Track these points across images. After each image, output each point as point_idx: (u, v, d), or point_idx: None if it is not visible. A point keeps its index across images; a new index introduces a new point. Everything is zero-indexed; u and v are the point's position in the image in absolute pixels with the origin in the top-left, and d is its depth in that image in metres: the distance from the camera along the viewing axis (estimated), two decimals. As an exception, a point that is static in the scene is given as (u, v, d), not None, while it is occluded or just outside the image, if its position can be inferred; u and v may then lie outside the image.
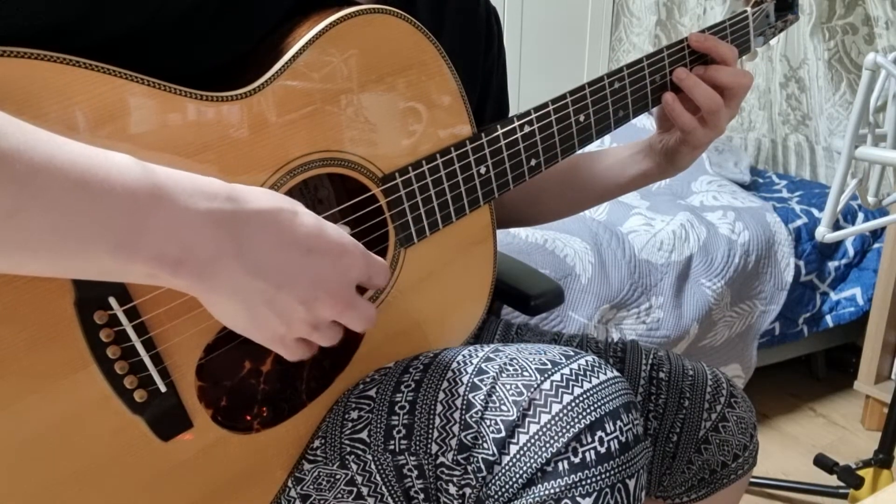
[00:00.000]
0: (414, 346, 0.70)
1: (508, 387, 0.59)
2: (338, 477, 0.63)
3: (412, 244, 0.67)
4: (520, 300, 0.96)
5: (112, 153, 0.44)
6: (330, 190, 0.70)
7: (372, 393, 0.64)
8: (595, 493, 0.55)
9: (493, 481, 0.57)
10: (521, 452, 0.57)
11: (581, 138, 0.75)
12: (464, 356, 0.64)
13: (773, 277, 1.83)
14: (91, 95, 0.49)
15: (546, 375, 0.59)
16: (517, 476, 0.56)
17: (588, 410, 0.57)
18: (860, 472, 1.51)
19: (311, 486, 0.64)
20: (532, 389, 0.58)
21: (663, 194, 2.02)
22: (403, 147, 0.65)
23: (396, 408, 0.62)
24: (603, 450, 0.56)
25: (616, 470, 0.56)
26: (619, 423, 0.58)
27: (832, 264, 1.94)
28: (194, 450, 0.58)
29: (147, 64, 0.52)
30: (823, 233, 1.33)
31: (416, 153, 0.65)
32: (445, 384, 0.61)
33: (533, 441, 0.56)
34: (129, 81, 0.50)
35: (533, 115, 0.71)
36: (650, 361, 0.83)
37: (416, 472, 0.60)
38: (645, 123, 2.15)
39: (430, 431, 0.60)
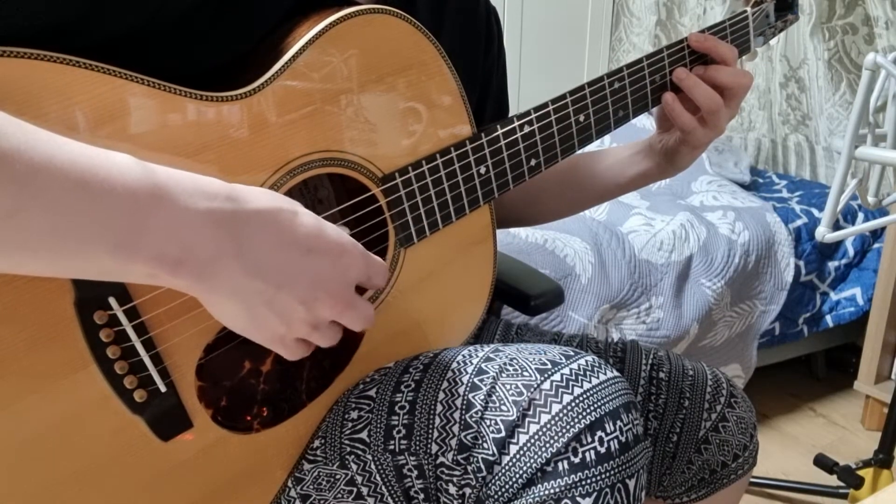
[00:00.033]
0: (414, 346, 0.70)
1: (508, 387, 0.59)
2: (338, 477, 0.63)
3: (412, 244, 0.67)
4: (520, 300, 0.96)
5: (112, 153, 0.44)
6: (330, 190, 0.70)
7: (372, 393, 0.64)
8: (595, 493, 0.55)
9: (493, 481, 0.57)
10: (521, 452, 0.57)
11: (581, 138, 0.75)
12: (464, 356, 0.64)
13: (773, 277, 1.83)
14: (91, 95, 0.49)
15: (546, 375, 0.59)
16: (517, 476, 0.56)
17: (588, 410, 0.57)
18: (860, 472, 1.51)
19: (311, 486, 0.64)
20: (532, 389, 0.58)
21: (663, 194, 2.02)
22: (403, 147, 0.65)
23: (396, 408, 0.62)
24: (603, 450, 0.56)
25: (616, 470, 0.56)
26: (619, 423, 0.58)
27: (832, 264, 1.94)
28: (194, 450, 0.58)
29: (147, 64, 0.52)
30: (823, 233, 1.33)
31: (416, 153, 0.65)
32: (445, 384, 0.61)
33: (533, 441, 0.56)
34: (129, 81, 0.50)
35: (533, 115, 0.71)
36: (650, 361, 0.83)
37: (415, 472, 0.60)
38: (645, 123, 2.15)
39: (430, 431, 0.60)
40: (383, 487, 0.62)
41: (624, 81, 0.76)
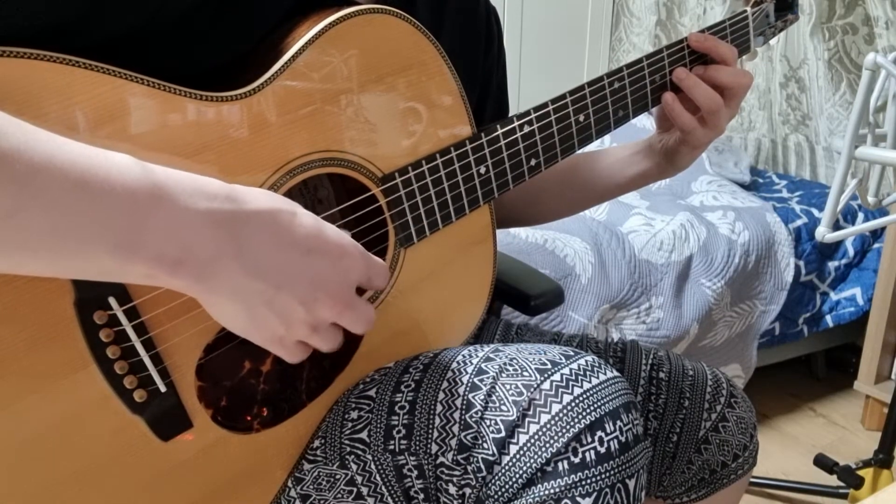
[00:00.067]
0: (414, 346, 0.70)
1: (508, 387, 0.59)
2: (338, 477, 0.63)
3: (412, 244, 0.67)
4: (520, 300, 0.96)
5: (112, 153, 0.44)
6: (330, 190, 0.70)
7: (372, 393, 0.64)
8: (595, 493, 0.55)
9: (493, 481, 0.57)
10: (521, 452, 0.57)
11: (581, 138, 0.75)
12: (464, 356, 0.64)
13: (773, 277, 1.83)
14: (91, 95, 0.49)
15: (546, 375, 0.59)
16: (517, 476, 0.56)
17: (588, 410, 0.57)
18: (860, 472, 1.51)
19: (311, 486, 0.64)
20: (532, 389, 0.58)
21: (663, 194, 2.02)
22: (403, 147, 0.65)
23: (396, 408, 0.62)
24: (603, 450, 0.56)
25: (616, 470, 0.56)
26: (618, 423, 0.58)
27: (832, 264, 1.94)
28: (194, 450, 0.58)
29: (147, 64, 0.52)
30: (823, 233, 1.33)
31: (416, 153, 0.65)
32: (445, 384, 0.61)
33: (533, 441, 0.56)
34: (129, 81, 0.50)
35: (532, 115, 0.71)
36: (650, 361, 0.83)
37: (415, 472, 0.60)
38: (645, 123, 2.15)
39: (430, 431, 0.60)
40: (383, 487, 0.62)
41: (624, 81, 0.76)
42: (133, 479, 0.56)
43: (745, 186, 2.12)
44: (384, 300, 0.67)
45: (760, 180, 2.23)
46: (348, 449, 0.62)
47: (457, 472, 0.59)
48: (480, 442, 0.58)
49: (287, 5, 0.62)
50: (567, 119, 0.73)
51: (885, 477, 1.51)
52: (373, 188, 0.63)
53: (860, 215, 1.95)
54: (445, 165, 0.67)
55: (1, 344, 0.48)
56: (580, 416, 0.57)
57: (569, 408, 0.57)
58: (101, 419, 0.53)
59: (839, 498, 1.57)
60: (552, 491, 0.55)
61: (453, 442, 0.59)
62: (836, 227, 1.54)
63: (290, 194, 0.56)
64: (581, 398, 0.58)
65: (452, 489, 0.59)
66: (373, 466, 0.61)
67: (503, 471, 0.57)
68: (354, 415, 0.63)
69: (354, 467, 0.62)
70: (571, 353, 0.62)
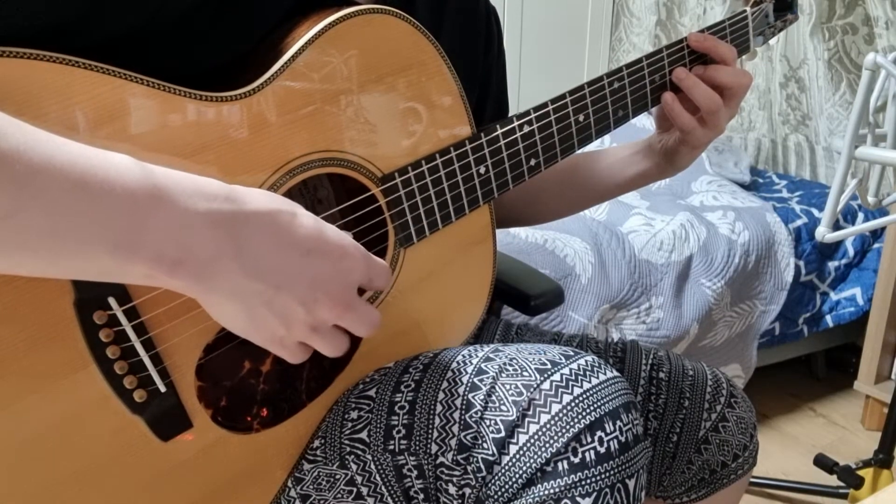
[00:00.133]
0: (414, 346, 0.70)
1: (508, 387, 0.59)
2: (337, 477, 0.63)
3: (412, 244, 0.67)
4: (520, 300, 0.96)
5: (111, 154, 0.44)
6: (329, 190, 0.70)
7: (372, 393, 0.64)
8: (595, 493, 0.55)
9: (493, 481, 0.57)
10: (521, 452, 0.57)
11: (580, 138, 0.75)
12: (463, 356, 0.64)
13: (773, 277, 1.83)
14: (91, 96, 0.49)
15: (546, 375, 0.59)
16: (517, 476, 0.56)
17: (588, 410, 0.57)
18: (860, 472, 1.51)
19: (311, 486, 0.64)
20: (532, 389, 0.58)
21: (663, 194, 2.02)
22: (403, 147, 0.65)
23: (396, 408, 0.62)
24: (603, 450, 0.56)
25: (616, 470, 0.56)
26: (618, 423, 0.58)
27: (832, 264, 1.94)
28: (194, 450, 0.58)
29: (147, 64, 0.52)
30: (823, 233, 1.33)
31: (416, 153, 0.65)
32: (445, 384, 0.61)
33: (532, 441, 0.57)
34: (129, 81, 0.50)
35: (532, 115, 0.71)
36: (650, 361, 0.83)
37: (415, 472, 0.60)
38: (645, 123, 2.15)
39: (430, 431, 0.60)
40: (383, 487, 0.62)
41: (623, 81, 0.76)
42: (133, 479, 0.56)
43: (745, 186, 2.12)
44: (384, 300, 0.67)
45: (760, 180, 2.23)
46: (348, 449, 0.62)
47: (457, 472, 0.59)
48: (480, 442, 0.58)
49: (287, 5, 0.62)
50: (567, 119, 0.73)
51: (885, 477, 1.51)
52: (372, 188, 0.63)
53: (860, 215, 1.95)
54: (445, 165, 0.67)
55: (1, 344, 0.48)
56: (580, 416, 0.57)
57: (569, 408, 0.57)
58: (101, 419, 0.53)
59: (839, 498, 1.57)
60: (552, 491, 0.55)
61: (453, 442, 0.59)
62: (836, 227, 1.54)
63: (289, 194, 0.56)
64: (581, 398, 0.58)
65: (452, 489, 0.59)
66: (373, 466, 0.61)
67: (503, 471, 0.57)
68: (354, 415, 0.63)
69: (354, 467, 0.62)
70: (571, 353, 0.62)
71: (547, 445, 0.56)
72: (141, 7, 0.53)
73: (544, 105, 0.71)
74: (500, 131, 0.69)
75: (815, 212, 1.94)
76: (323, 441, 0.64)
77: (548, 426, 0.57)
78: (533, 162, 0.72)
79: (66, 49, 0.48)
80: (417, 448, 0.60)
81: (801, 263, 1.87)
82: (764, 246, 1.80)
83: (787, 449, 1.82)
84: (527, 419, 0.57)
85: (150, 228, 0.44)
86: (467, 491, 0.59)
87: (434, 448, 0.59)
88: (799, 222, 1.90)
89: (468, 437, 0.58)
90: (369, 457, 0.61)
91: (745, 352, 1.83)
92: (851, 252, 1.94)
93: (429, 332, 0.72)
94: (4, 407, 0.49)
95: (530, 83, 2.50)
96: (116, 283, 0.51)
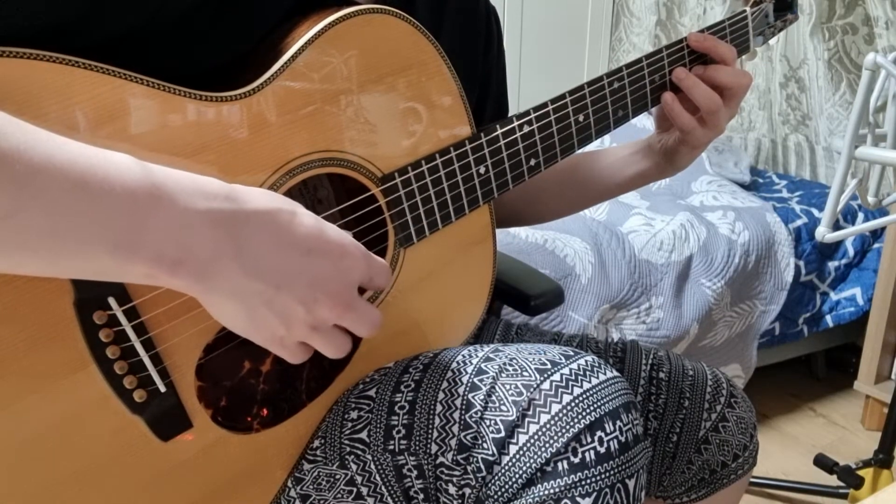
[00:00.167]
0: (414, 346, 0.70)
1: (508, 387, 0.59)
2: (337, 477, 0.63)
3: (412, 244, 0.67)
4: (520, 300, 0.96)
5: (112, 153, 0.44)
6: (329, 190, 0.70)
7: (372, 393, 0.64)
8: (595, 493, 0.55)
9: (493, 481, 0.57)
10: (521, 452, 0.57)
11: (580, 138, 0.75)
12: (463, 356, 0.64)
13: (773, 277, 1.83)
14: (91, 96, 0.49)
15: (546, 375, 0.59)
16: (517, 476, 0.56)
17: (588, 410, 0.57)
18: (860, 472, 1.51)
19: (311, 486, 0.64)
20: (532, 389, 0.58)
21: (663, 194, 2.02)
22: (403, 147, 0.65)
23: (396, 408, 0.62)
24: (602, 450, 0.56)
25: (616, 470, 0.56)
26: (618, 423, 0.58)
27: (832, 264, 1.94)
28: (194, 450, 0.58)
29: (147, 64, 0.52)
30: (823, 233, 1.33)
31: (416, 153, 0.65)
32: (445, 384, 0.61)
33: (532, 441, 0.57)
34: (129, 81, 0.50)
35: (532, 115, 0.71)
36: (650, 361, 0.83)
37: (415, 472, 0.60)
38: (645, 123, 2.15)
39: (430, 431, 0.60)
40: (383, 487, 0.62)
41: (623, 81, 0.76)
42: (133, 479, 0.56)
43: (745, 186, 2.12)
44: (384, 300, 0.67)
45: (760, 180, 2.23)
46: (348, 449, 0.62)
47: (456, 473, 0.59)
48: (480, 442, 0.58)
49: (287, 5, 0.62)
50: (566, 119, 0.73)
51: (885, 477, 1.51)
52: (372, 188, 0.63)
53: (860, 215, 1.95)
54: (445, 165, 0.67)
55: (1, 344, 0.48)
56: (580, 416, 0.57)
57: (568, 408, 0.57)
58: (101, 419, 0.53)
59: (839, 498, 1.57)
60: (552, 491, 0.55)
61: (453, 442, 0.59)
62: (836, 227, 1.54)
63: (289, 194, 0.56)
64: (581, 398, 0.58)
65: (452, 489, 0.59)
66: (372, 466, 0.61)
67: (503, 471, 0.57)
68: (354, 415, 0.63)
69: (354, 467, 0.62)
70: (571, 353, 0.62)
71: (547, 445, 0.56)
72: (141, 7, 0.53)
73: (544, 105, 0.71)
74: (499, 131, 0.69)
75: (815, 212, 1.94)
76: (323, 441, 0.64)
77: (548, 426, 0.57)
78: (533, 162, 0.72)
79: (66, 49, 0.48)
80: (417, 448, 0.60)
81: (801, 263, 1.87)
82: (764, 246, 1.80)
83: (787, 449, 1.82)
84: (527, 419, 0.57)
85: (150, 228, 0.44)
86: (467, 491, 0.59)
87: (434, 448, 0.59)
88: (799, 222, 1.90)
89: (468, 437, 0.58)
90: (369, 457, 0.61)
91: (745, 352, 1.83)
92: (851, 252, 1.94)
93: (429, 332, 0.72)
94: (4, 407, 0.49)
95: (530, 83, 2.50)
96: (116, 283, 0.51)
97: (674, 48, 0.78)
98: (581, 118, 0.74)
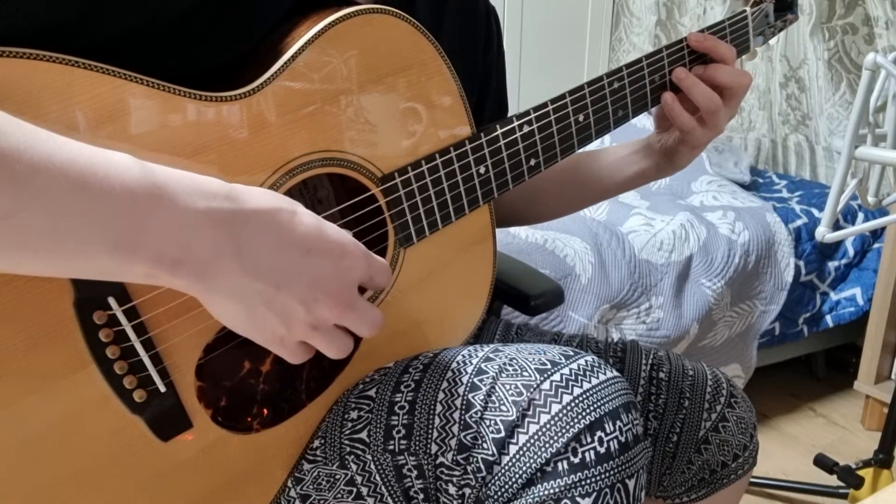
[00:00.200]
0: (414, 346, 0.70)
1: (508, 387, 0.59)
2: (337, 477, 0.63)
3: (412, 244, 0.67)
4: (520, 300, 0.96)
5: (111, 153, 0.44)
6: (329, 190, 0.70)
7: (371, 393, 0.64)
8: (595, 493, 0.55)
9: (493, 481, 0.57)
10: (521, 452, 0.57)
11: (580, 138, 0.75)
12: (463, 356, 0.64)
13: (773, 277, 1.83)
14: (91, 95, 0.49)
15: (546, 375, 0.59)
16: (517, 476, 0.56)
17: (588, 410, 0.57)
18: (860, 472, 1.51)
19: (311, 486, 0.64)
20: (532, 389, 0.58)
21: (663, 194, 2.02)
22: (403, 147, 0.65)
23: (396, 408, 0.62)
24: (602, 450, 0.56)
25: (616, 470, 0.56)
26: (618, 423, 0.58)
27: (832, 264, 1.94)
28: (194, 450, 0.58)
29: (147, 64, 0.52)
30: (823, 233, 1.33)
31: (416, 153, 0.65)
32: (445, 384, 0.61)
33: (532, 441, 0.56)
34: (129, 81, 0.50)
35: (532, 115, 0.71)
36: (650, 361, 0.83)
37: (415, 472, 0.60)
38: (645, 123, 2.15)
39: (430, 431, 0.60)
40: (383, 487, 0.62)
41: (623, 81, 0.76)
42: (133, 479, 0.56)
43: (745, 186, 2.12)
44: (384, 300, 0.67)
45: (760, 180, 2.23)
46: (348, 449, 0.62)
47: (456, 473, 0.59)
48: (480, 442, 0.58)
49: (287, 5, 0.62)
50: (566, 119, 0.73)
51: (885, 477, 1.51)
52: (372, 188, 0.63)
53: (860, 215, 1.95)
54: (445, 165, 0.67)
55: (1, 344, 0.48)
56: (580, 417, 0.57)
57: (568, 408, 0.57)
58: (101, 419, 0.53)
59: (839, 498, 1.57)
60: (552, 491, 0.55)
61: (453, 442, 0.59)
62: (836, 227, 1.54)
63: (289, 194, 0.56)
64: (581, 398, 0.58)
65: (452, 489, 0.59)
66: (372, 466, 0.61)
67: (503, 471, 0.57)
68: (354, 415, 0.63)
69: (354, 467, 0.62)
70: (571, 353, 0.62)
71: (547, 445, 0.56)
72: (141, 7, 0.53)
73: (544, 105, 0.71)
74: (499, 131, 0.69)
75: (815, 212, 1.94)
76: (323, 441, 0.64)
77: (548, 426, 0.57)
78: (533, 162, 0.72)
79: (66, 49, 0.48)
80: (417, 448, 0.60)
81: (801, 263, 1.87)
82: (764, 246, 1.80)
83: (787, 449, 1.82)
84: (527, 419, 0.57)
85: (150, 228, 0.44)
86: (467, 491, 0.59)
87: (434, 448, 0.59)
88: (799, 222, 1.90)
89: (468, 438, 0.58)
90: (369, 457, 0.61)
91: (745, 352, 1.83)
92: (851, 252, 1.94)
93: (429, 332, 0.72)
94: (4, 407, 0.49)
95: (530, 83, 2.50)
96: (116, 283, 0.51)
97: (674, 48, 0.78)
98: (581, 118, 0.74)
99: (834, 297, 1.95)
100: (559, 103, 0.72)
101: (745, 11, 0.84)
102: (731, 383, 0.84)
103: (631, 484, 0.57)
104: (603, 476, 0.56)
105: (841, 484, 1.54)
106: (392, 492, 0.62)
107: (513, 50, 2.45)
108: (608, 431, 0.57)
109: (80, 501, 0.54)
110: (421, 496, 0.61)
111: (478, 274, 0.74)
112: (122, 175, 0.43)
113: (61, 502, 0.53)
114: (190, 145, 0.53)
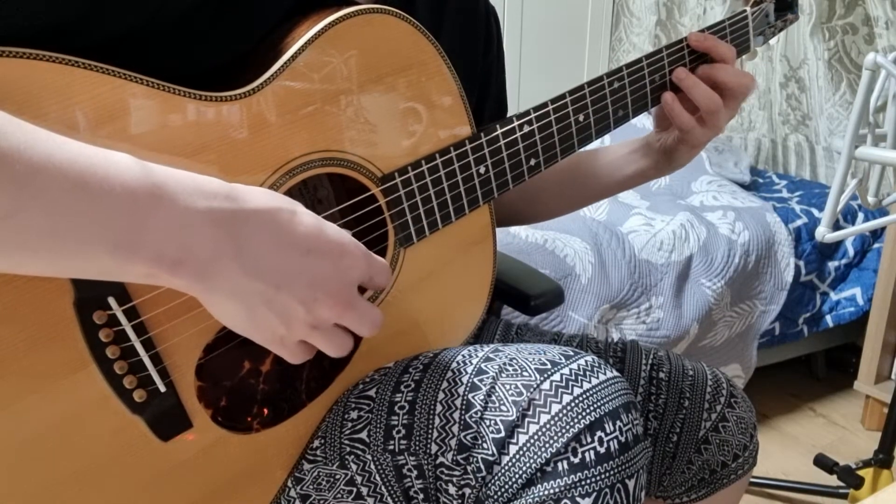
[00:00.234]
0: (414, 346, 0.70)
1: (508, 387, 0.59)
2: (337, 477, 0.63)
3: (412, 244, 0.67)
4: (520, 300, 0.96)
5: (111, 153, 0.44)
6: (329, 190, 0.70)
7: (372, 393, 0.64)
8: (595, 494, 0.55)
9: (493, 481, 0.57)
10: (521, 453, 0.57)
11: (580, 138, 0.75)
12: (463, 356, 0.64)
13: (773, 277, 1.83)
14: (91, 95, 0.49)
15: (546, 375, 0.59)
16: (517, 476, 0.56)
17: (588, 410, 0.57)
18: (860, 472, 1.51)
19: (311, 486, 0.64)
20: (532, 389, 0.58)
21: (663, 194, 2.02)
22: (403, 147, 0.65)
23: (396, 408, 0.62)
24: (602, 450, 0.56)
25: (616, 470, 0.56)
26: (618, 423, 0.58)
27: (832, 264, 1.94)
28: (194, 450, 0.58)
29: (147, 64, 0.52)
30: (823, 233, 1.33)
31: (416, 153, 0.65)
32: (445, 384, 0.61)
33: (532, 441, 0.56)
34: (129, 81, 0.50)
35: (532, 115, 0.71)
36: (650, 361, 0.83)
37: (415, 472, 0.60)
38: (645, 123, 2.15)
39: (430, 431, 0.60)
40: (383, 487, 0.62)
41: (623, 81, 0.76)
42: (133, 479, 0.56)
43: (745, 186, 2.12)
44: (384, 300, 0.67)
45: (760, 180, 2.23)
46: (348, 449, 0.62)
47: (456, 473, 0.59)
48: (480, 442, 0.58)
49: (287, 5, 0.62)
50: (567, 119, 0.73)
51: (885, 477, 1.51)
52: (372, 188, 0.63)
53: (860, 215, 1.95)
54: (445, 165, 0.67)
55: (1, 344, 0.48)
56: (580, 417, 0.57)
57: (568, 408, 0.57)
58: (101, 419, 0.53)
59: (839, 498, 1.57)
60: (552, 491, 0.55)
61: (453, 442, 0.59)
62: (836, 227, 1.54)
63: (289, 194, 0.56)
64: (581, 398, 0.58)
65: (452, 489, 0.59)
66: (372, 466, 0.61)
67: (503, 471, 0.57)
68: (354, 415, 0.63)
69: (354, 467, 0.62)
70: (571, 353, 0.62)
71: (547, 445, 0.56)
72: (141, 7, 0.53)
73: (544, 105, 0.71)
74: (499, 131, 0.69)
75: (815, 212, 1.94)
76: (323, 441, 0.64)
77: (548, 426, 0.57)
78: (533, 162, 0.72)
79: (66, 49, 0.48)
80: (417, 448, 0.60)
81: (801, 263, 1.87)
82: (764, 246, 1.80)
83: (787, 449, 1.82)
84: (527, 419, 0.57)
85: (150, 228, 0.44)
86: (467, 491, 0.59)
87: (434, 448, 0.59)
88: (799, 222, 1.90)
89: (468, 437, 0.58)
90: (369, 457, 0.61)
91: (745, 352, 1.83)
92: (851, 252, 1.94)
93: (429, 332, 0.72)
94: (4, 407, 0.49)
95: (530, 83, 2.50)
96: (116, 283, 0.51)
97: (674, 48, 0.78)
98: (581, 118, 0.74)
99: (834, 297, 1.95)
100: (559, 103, 0.72)
101: (745, 11, 0.84)
102: (731, 383, 0.84)
103: (631, 484, 0.57)
104: (603, 476, 0.56)
105: (841, 484, 1.54)
106: (392, 492, 0.62)
107: (513, 50, 2.45)
108: (608, 431, 0.57)
109: (80, 501, 0.54)
110: (421, 496, 0.61)
111: (478, 274, 0.74)
112: (123, 175, 0.43)
113: (61, 502, 0.53)
114: (190, 145, 0.53)
